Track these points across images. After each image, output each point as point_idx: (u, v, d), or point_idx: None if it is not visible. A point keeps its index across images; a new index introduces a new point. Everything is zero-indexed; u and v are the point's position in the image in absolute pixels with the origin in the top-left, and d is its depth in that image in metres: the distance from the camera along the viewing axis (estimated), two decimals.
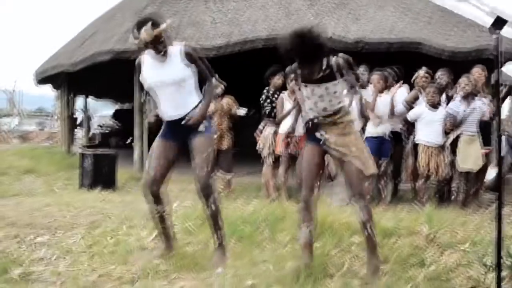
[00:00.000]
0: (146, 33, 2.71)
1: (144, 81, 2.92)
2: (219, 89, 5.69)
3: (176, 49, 2.87)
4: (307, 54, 2.54)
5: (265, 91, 5.80)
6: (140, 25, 2.74)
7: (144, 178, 2.91)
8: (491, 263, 2.63)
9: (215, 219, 2.84)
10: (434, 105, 5.09)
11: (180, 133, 2.87)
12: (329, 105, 2.70)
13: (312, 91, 2.69)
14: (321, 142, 2.72)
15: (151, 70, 2.89)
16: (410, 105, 5.36)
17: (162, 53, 2.81)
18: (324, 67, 2.64)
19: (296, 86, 2.82)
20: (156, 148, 2.90)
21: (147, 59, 2.90)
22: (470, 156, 4.96)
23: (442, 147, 5.06)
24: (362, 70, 5.68)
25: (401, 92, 5.44)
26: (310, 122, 2.77)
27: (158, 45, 2.77)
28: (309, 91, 2.71)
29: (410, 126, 5.41)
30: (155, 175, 2.84)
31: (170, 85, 2.84)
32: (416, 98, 5.42)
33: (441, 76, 5.48)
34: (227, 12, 8.26)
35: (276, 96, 5.75)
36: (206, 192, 2.77)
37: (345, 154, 2.64)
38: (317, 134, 2.73)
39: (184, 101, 2.87)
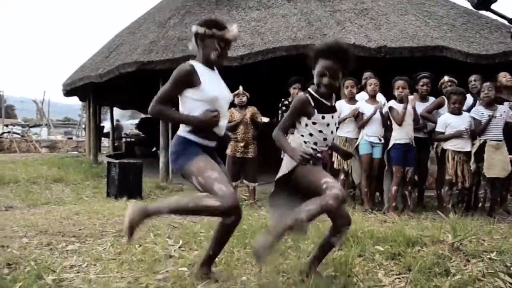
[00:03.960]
0: (234, 31, 2.51)
1: (202, 91, 2.42)
2: (244, 98, 5.80)
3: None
4: (348, 68, 2.47)
5: (282, 100, 5.90)
6: (211, 22, 2.50)
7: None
8: None
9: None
10: (459, 111, 5.05)
11: (212, 150, 2.59)
12: (331, 137, 2.57)
13: (331, 120, 2.53)
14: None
15: (211, 82, 2.49)
16: (429, 116, 5.37)
17: (213, 66, 2.57)
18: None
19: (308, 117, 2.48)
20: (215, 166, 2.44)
21: (200, 69, 2.46)
22: (496, 162, 4.89)
23: (469, 154, 5.00)
24: (368, 75, 5.73)
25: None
26: (313, 157, 2.44)
27: (228, 50, 2.56)
28: (327, 121, 2.51)
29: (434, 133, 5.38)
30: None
31: (226, 103, 2.60)
32: (441, 105, 5.40)
33: (475, 82, 5.47)
34: (250, 21, 8.37)
35: None
36: None
37: None
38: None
39: (223, 123, 2.56)
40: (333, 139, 2.63)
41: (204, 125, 2.42)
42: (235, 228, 2.62)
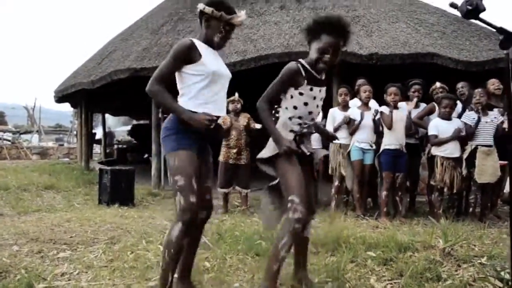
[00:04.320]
0: (242, 17, 2.47)
1: (202, 65, 2.37)
2: (239, 105, 5.82)
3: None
4: (346, 41, 2.47)
5: (275, 107, 5.91)
6: (220, 4, 2.43)
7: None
8: (509, 277, 2.63)
9: None
10: (449, 116, 5.11)
11: (205, 141, 2.52)
12: (316, 110, 2.56)
13: (318, 93, 2.53)
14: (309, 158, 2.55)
15: (210, 58, 2.44)
16: (421, 122, 5.42)
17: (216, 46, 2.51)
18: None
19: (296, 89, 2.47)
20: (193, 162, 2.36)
21: (200, 45, 2.42)
22: (487, 168, 4.94)
23: (458, 160, 5.04)
24: (361, 82, 5.78)
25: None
26: (298, 136, 2.52)
27: (231, 34, 2.53)
28: (314, 94, 2.50)
29: (425, 138, 5.44)
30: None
31: (226, 81, 2.52)
32: (432, 111, 5.45)
33: (462, 88, 5.54)
34: (242, 28, 8.40)
35: None
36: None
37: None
38: (305, 148, 2.53)
39: (224, 103, 2.54)
40: (319, 113, 2.62)
41: (193, 124, 2.29)
42: (204, 224, 2.57)
